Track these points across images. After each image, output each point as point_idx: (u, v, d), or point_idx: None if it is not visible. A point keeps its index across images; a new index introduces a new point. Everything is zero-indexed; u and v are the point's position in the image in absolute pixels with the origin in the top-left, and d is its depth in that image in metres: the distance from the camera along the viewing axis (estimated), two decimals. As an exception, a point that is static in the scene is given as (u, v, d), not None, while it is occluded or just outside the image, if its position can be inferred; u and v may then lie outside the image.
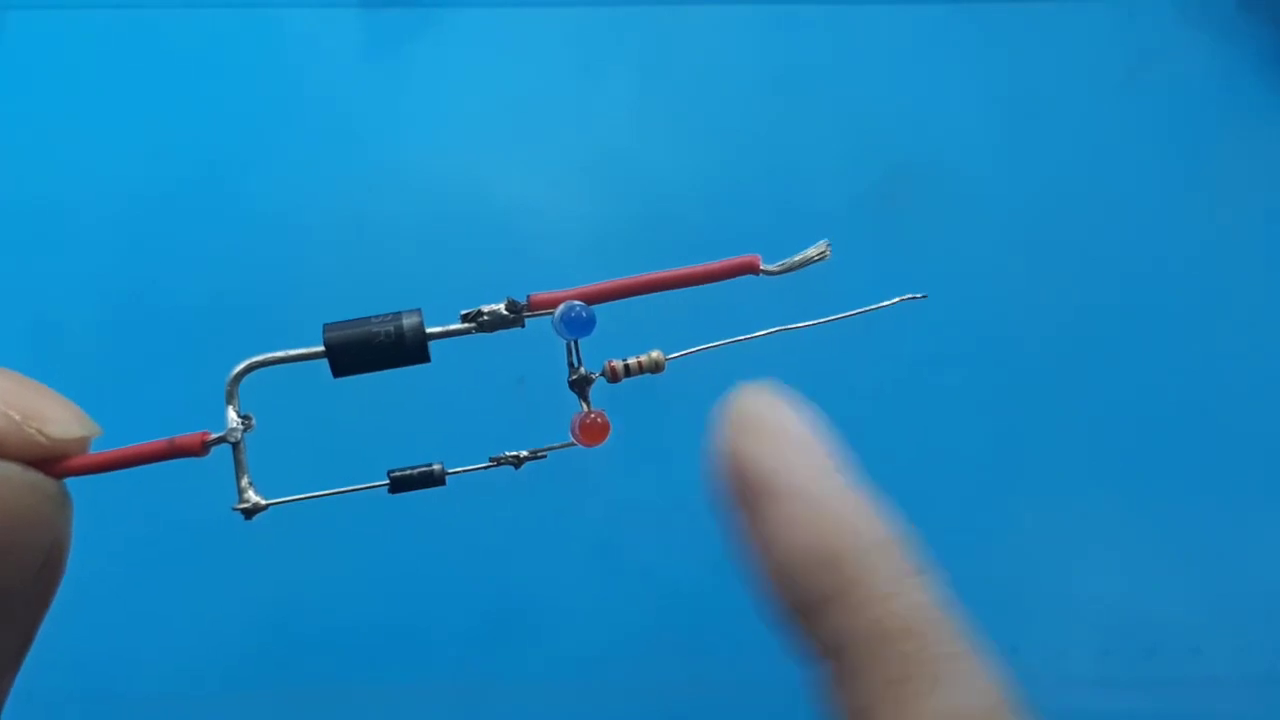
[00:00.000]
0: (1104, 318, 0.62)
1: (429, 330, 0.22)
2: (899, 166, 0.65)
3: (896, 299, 0.25)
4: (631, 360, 0.23)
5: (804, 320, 0.25)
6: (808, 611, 0.22)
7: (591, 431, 0.22)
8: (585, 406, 0.23)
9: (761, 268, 0.24)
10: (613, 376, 0.23)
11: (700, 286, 0.24)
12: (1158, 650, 0.55)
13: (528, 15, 0.69)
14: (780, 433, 0.23)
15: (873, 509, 0.22)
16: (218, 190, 0.64)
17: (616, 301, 0.23)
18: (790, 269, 0.24)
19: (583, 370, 0.23)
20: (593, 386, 0.23)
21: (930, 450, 0.59)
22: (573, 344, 0.23)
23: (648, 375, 0.23)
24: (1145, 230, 0.63)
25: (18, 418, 0.21)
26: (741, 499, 0.23)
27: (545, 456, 0.23)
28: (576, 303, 0.22)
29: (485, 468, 0.23)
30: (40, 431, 0.21)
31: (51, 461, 0.21)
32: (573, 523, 0.58)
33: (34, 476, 0.21)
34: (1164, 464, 0.59)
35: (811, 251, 0.24)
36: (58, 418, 0.21)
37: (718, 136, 0.66)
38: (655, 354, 0.23)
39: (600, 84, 0.68)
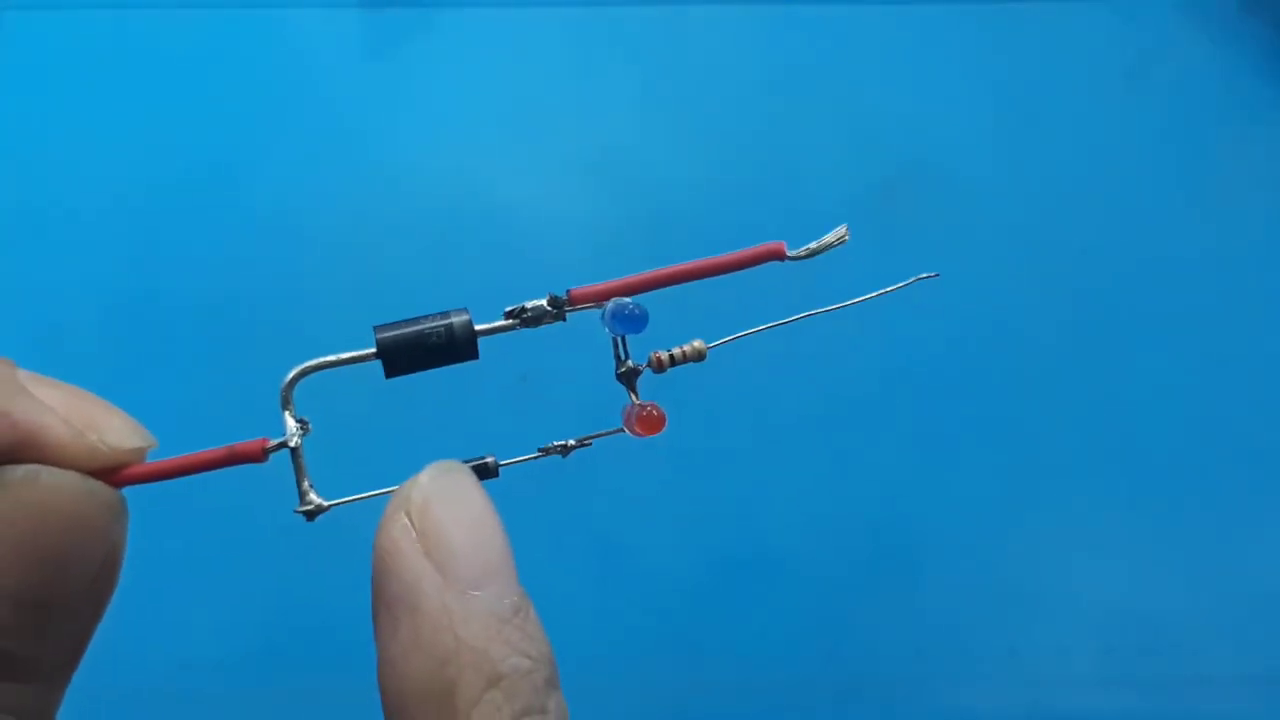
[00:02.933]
0: (1105, 318, 0.62)
1: (477, 328, 0.22)
2: (899, 166, 0.65)
3: (911, 280, 0.26)
4: (676, 350, 0.23)
5: (808, 310, 0.25)
6: None
7: (649, 423, 0.22)
8: (634, 398, 0.23)
9: (787, 254, 0.24)
10: (658, 367, 0.23)
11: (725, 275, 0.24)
12: (1158, 650, 0.56)
13: (528, 15, 0.69)
14: (439, 534, 0.20)
15: (515, 635, 0.20)
16: (218, 190, 0.64)
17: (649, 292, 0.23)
18: (813, 254, 0.24)
19: (630, 363, 0.23)
20: (640, 378, 0.23)
21: (931, 450, 0.59)
22: (619, 339, 0.23)
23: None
24: (1145, 230, 0.64)
25: (77, 427, 0.21)
26: (377, 604, 0.21)
27: (591, 444, 0.23)
28: (627, 300, 0.22)
29: (534, 458, 0.23)
30: (100, 440, 0.21)
31: (109, 471, 0.21)
32: (573, 522, 0.57)
33: (93, 485, 0.21)
34: (1164, 465, 0.59)
35: (831, 237, 0.24)
36: (116, 427, 0.21)
37: (718, 137, 0.66)
38: (697, 343, 0.23)
39: (600, 84, 0.68)
